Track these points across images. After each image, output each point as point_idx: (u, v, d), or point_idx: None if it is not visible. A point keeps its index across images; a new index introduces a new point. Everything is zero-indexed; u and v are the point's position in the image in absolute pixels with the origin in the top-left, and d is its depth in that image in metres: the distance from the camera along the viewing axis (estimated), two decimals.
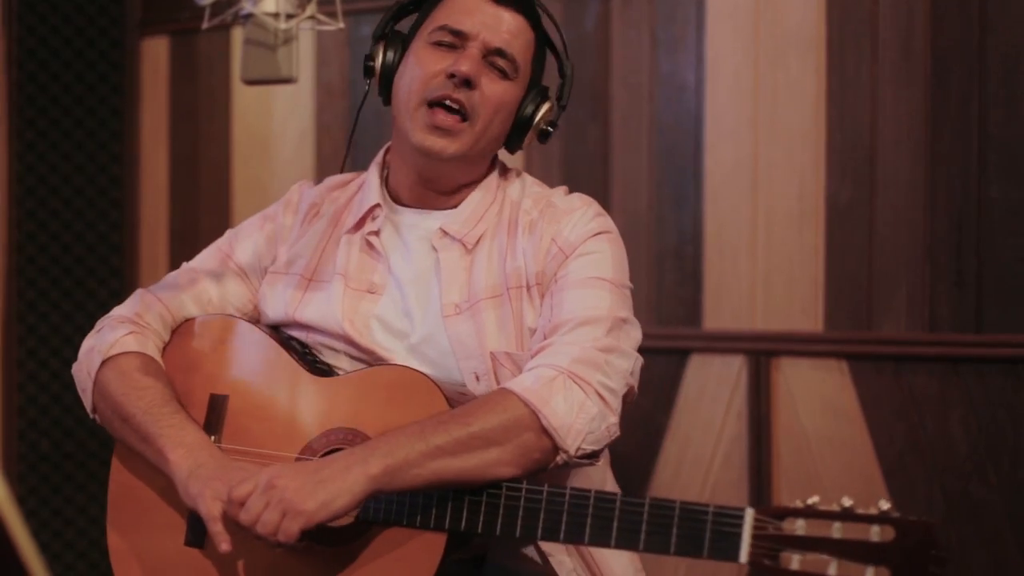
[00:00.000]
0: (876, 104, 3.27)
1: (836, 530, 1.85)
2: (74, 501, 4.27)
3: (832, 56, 3.32)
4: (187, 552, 2.32)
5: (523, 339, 2.32)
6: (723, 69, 3.45)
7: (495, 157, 2.50)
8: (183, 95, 4.29)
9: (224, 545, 2.16)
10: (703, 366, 3.46)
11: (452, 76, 2.34)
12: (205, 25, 2.84)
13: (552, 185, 2.56)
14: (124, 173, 4.34)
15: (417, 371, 2.27)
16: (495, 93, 2.37)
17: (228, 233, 2.61)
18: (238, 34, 3.98)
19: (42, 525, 4.17)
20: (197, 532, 2.30)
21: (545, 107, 2.44)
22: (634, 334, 2.29)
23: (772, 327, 3.38)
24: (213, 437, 2.35)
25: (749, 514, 1.94)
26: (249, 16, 2.71)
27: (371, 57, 2.46)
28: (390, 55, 2.45)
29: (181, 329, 2.50)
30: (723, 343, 3.41)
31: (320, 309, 2.42)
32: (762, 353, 3.38)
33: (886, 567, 1.82)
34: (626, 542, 2.05)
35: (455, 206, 2.44)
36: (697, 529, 2.00)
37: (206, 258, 2.60)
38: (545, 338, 2.26)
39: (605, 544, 2.07)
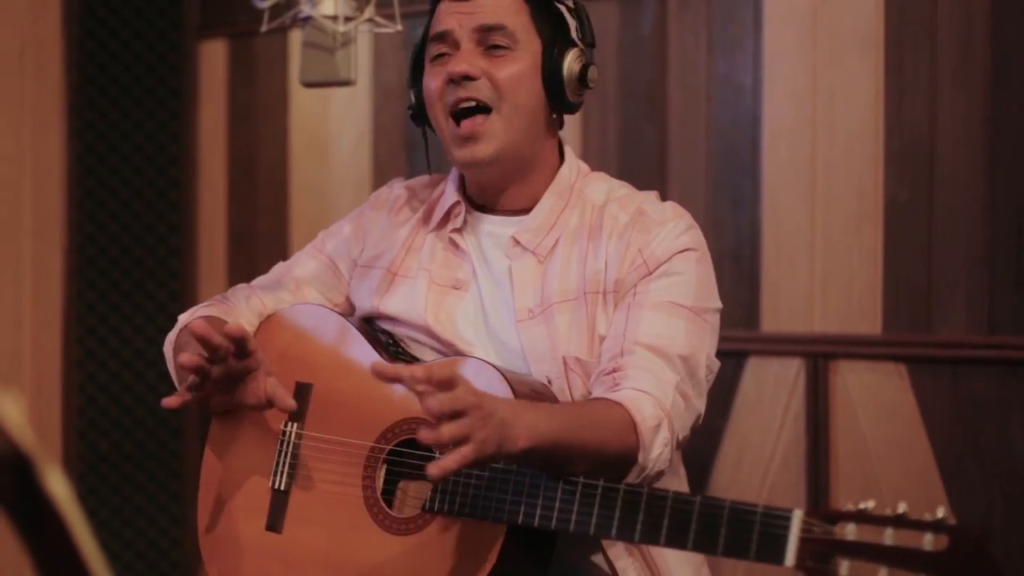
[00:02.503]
0: (935, 104, 3.26)
1: (888, 536, 1.80)
2: (133, 501, 4.29)
3: (890, 56, 3.31)
4: (267, 536, 2.37)
5: (595, 345, 2.32)
6: (780, 70, 3.44)
7: (560, 152, 2.48)
8: (241, 97, 4.31)
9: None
10: (761, 368, 3.45)
11: (451, 80, 2.34)
12: (264, 28, 2.86)
13: None
14: (182, 175, 4.36)
15: (485, 361, 2.28)
16: (504, 72, 2.35)
17: (321, 233, 2.63)
18: (296, 36, 3.99)
19: (101, 525, 4.20)
20: (276, 516, 2.36)
21: (571, 55, 2.40)
22: (700, 374, 2.30)
23: (830, 329, 3.37)
24: (296, 424, 2.39)
25: (797, 516, 1.90)
26: (308, 19, 2.72)
27: (410, 105, 2.48)
28: (419, 91, 2.46)
29: (270, 318, 2.52)
30: (781, 345, 3.40)
31: (404, 302, 2.44)
32: (820, 355, 3.37)
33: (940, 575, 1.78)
34: (676, 541, 2.02)
35: (527, 210, 2.42)
36: (745, 530, 1.96)
37: (300, 256, 2.63)
38: (622, 353, 2.25)
39: (655, 542, 2.05)
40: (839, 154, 3.36)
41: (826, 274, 3.38)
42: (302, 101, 4.15)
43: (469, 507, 2.17)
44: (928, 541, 1.78)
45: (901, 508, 1.81)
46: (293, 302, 2.54)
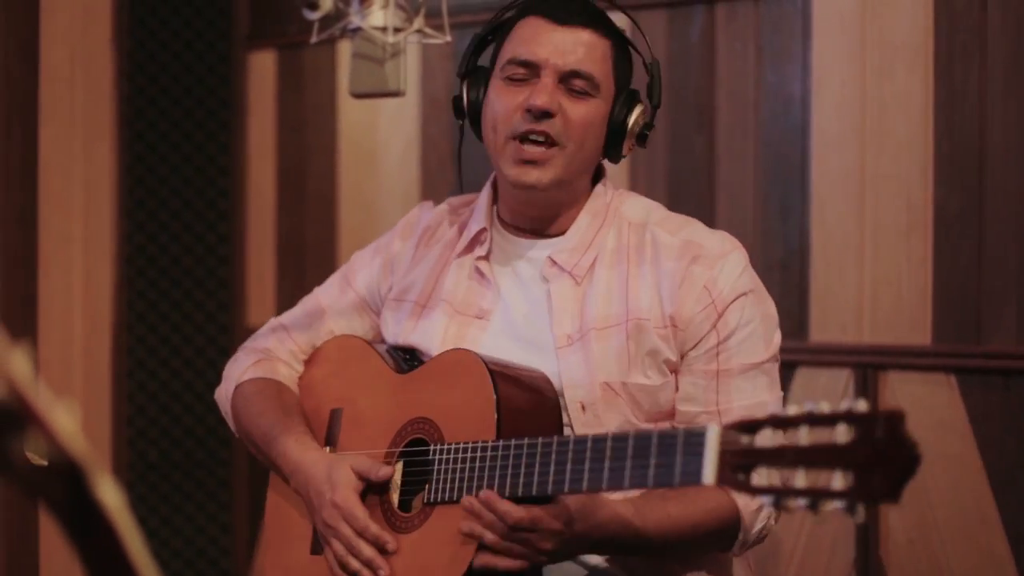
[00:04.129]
0: (985, 113, 3.23)
1: (804, 436, 1.72)
2: (182, 510, 4.31)
3: (940, 66, 3.29)
4: (311, 560, 2.43)
5: (644, 368, 2.33)
6: (829, 79, 3.43)
7: (599, 174, 2.49)
8: (289, 108, 4.33)
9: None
10: (810, 379, 3.43)
11: (529, 111, 2.34)
12: (314, 39, 2.87)
13: (656, 197, 2.56)
14: (231, 185, 4.38)
15: (466, 351, 2.33)
16: (578, 115, 2.35)
17: (354, 256, 2.68)
18: (344, 47, 4.01)
19: (150, 534, 4.22)
20: (318, 540, 2.43)
21: (637, 111, 2.41)
22: None
23: (879, 340, 3.35)
24: (329, 448, 2.48)
25: (713, 431, 1.87)
26: (357, 30, 2.73)
27: (458, 96, 2.48)
28: (474, 92, 2.45)
29: (310, 358, 2.62)
30: (830, 356, 3.38)
31: (423, 336, 2.47)
32: (869, 366, 3.35)
33: (852, 470, 1.68)
34: (615, 480, 2.04)
35: (563, 232, 2.42)
36: (670, 455, 1.96)
37: (333, 291, 2.67)
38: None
39: (598, 488, 2.07)
40: (888, 164, 3.34)
41: (875, 284, 3.36)
42: (350, 112, 4.16)
43: (459, 492, 2.25)
44: (841, 433, 1.70)
45: (809, 406, 1.73)
46: (324, 339, 2.62)
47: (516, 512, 2.13)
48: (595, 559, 2.32)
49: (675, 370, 2.34)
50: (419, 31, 2.77)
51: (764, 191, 3.50)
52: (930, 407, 3.27)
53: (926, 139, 3.30)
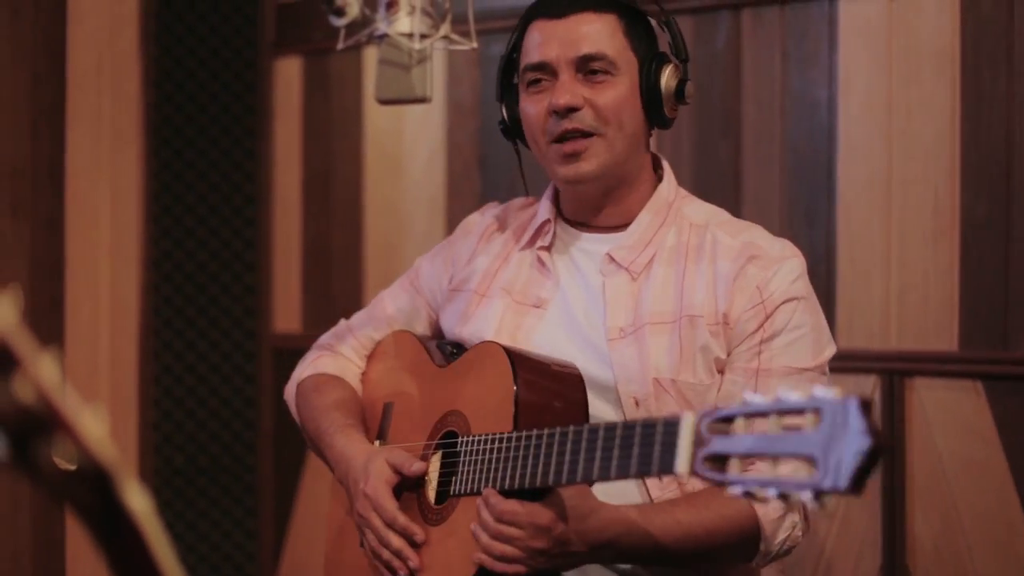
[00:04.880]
0: (1012, 118, 3.22)
1: (774, 426, 1.69)
2: (208, 515, 4.32)
3: (966, 70, 3.28)
4: (361, 553, 2.47)
5: (694, 366, 2.33)
6: (855, 85, 3.42)
7: (658, 168, 2.49)
8: (316, 114, 4.33)
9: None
10: (836, 385, 3.41)
11: (556, 112, 2.35)
12: (340, 46, 2.87)
13: None
14: (257, 191, 4.39)
15: (493, 343, 2.37)
16: (606, 99, 2.36)
17: (418, 260, 2.74)
18: (370, 54, 4.01)
19: (175, 539, 4.23)
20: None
21: (667, 72, 2.41)
22: None
23: (906, 346, 3.34)
24: (379, 441, 2.54)
25: (688, 421, 1.84)
26: (383, 36, 2.73)
27: (501, 120, 2.51)
28: (512, 111, 2.49)
29: (371, 354, 2.70)
30: (856, 362, 3.37)
31: (480, 324, 2.49)
32: (896, 373, 3.34)
33: (815, 459, 1.64)
34: (604, 471, 2.03)
35: (624, 226, 2.43)
36: (649, 446, 1.94)
37: (396, 290, 2.74)
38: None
39: (588, 478, 2.06)
40: (915, 169, 3.33)
41: (902, 290, 3.35)
42: (376, 118, 4.17)
43: (477, 484, 2.26)
44: (808, 422, 1.67)
45: (780, 395, 1.70)
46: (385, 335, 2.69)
47: (502, 505, 2.13)
48: (615, 571, 2.32)
49: (722, 370, 2.33)
50: (445, 37, 2.77)
51: (790, 197, 3.49)
52: (957, 413, 3.26)
53: (953, 144, 3.29)
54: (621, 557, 2.23)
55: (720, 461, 1.76)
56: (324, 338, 2.74)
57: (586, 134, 2.35)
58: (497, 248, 2.56)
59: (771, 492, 1.66)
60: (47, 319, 4.14)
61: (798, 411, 1.68)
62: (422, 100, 2.75)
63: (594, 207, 2.45)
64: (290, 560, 4.34)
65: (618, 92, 2.37)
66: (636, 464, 1.96)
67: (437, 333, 2.65)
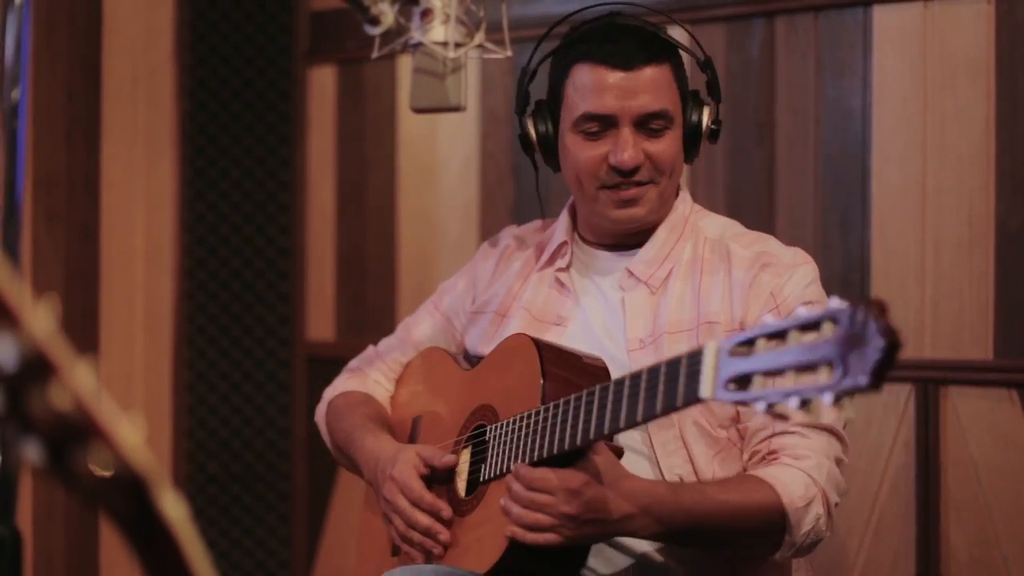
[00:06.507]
0: None
1: (793, 340, 1.72)
2: (241, 523, 4.33)
3: (1002, 78, 3.26)
4: (392, 562, 2.50)
5: None
6: (890, 93, 3.41)
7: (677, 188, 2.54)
8: (349, 123, 4.34)
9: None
10: (870, 395, 3.40)
11: (617, 169, 2.37)
12: (375, 55, 2.88)
13: (715, 211, 2.58)
14: (291, 200, 4.40)
15: (520, 334, 2.36)
16: (663, 152, 2.40)
17: (440, 286, 2.79)
18: (403, 62, 4.02)
19: (209, 546, 4.24)
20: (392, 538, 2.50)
21: (707, 113, 2.45)
22: (842, 429, 2.39)
23: (941, 355, 3.33)
24: None
25: (710, 349, 1.85)
26: (418, 45, 2.73)
27: (524, 135, 2.51)
28: (542, 127, 2.49)
29: (400, 377, 2.74)
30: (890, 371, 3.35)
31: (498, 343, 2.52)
32: (930, 381, 3.33)
33: (833, 361, 1.68)
34: (631, 416, 2.04)
35: (641, 244, 2.46)
36: (675, 380, 1.96)
37: (420, 314, 2.79)
38: (773, 427, 2.32)
39: (617, 426, 2.07)
40: (950, 178, 3.32)
41: (936, 299, 3.33)
42: (410, 126, 4.17)
43: (506, 464, 2.27)
44: (827, 330, 1.69)
45: (797, 311, 1.73)
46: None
47: (532, 473, 2.14)
48: (644, 549, 2.32)
49: None
50: (480, 46, 2.77)
51: (824, 205, 3.48)
52: (992, 422, 3.25)
53: (988, 153, 3.27)
54: (649, 529, 2.20)
55: (743, 382, 1.77)
56: (353, 363, 2.78)
57: (640, 183, 2.38)
58: (516, 269, 2.59)
59: (792, 402, 1.68)
60: (82, 327, 4.16)
61: (815, 324, 1.70)
62: (456, 109, 2.75)
63: (626, 235, 2.48)
64: (323, 567, 4.34)
65: (673, 144, 2.42)
66: (662, 400, 1.97)
67: (463, 355, 2.69)
